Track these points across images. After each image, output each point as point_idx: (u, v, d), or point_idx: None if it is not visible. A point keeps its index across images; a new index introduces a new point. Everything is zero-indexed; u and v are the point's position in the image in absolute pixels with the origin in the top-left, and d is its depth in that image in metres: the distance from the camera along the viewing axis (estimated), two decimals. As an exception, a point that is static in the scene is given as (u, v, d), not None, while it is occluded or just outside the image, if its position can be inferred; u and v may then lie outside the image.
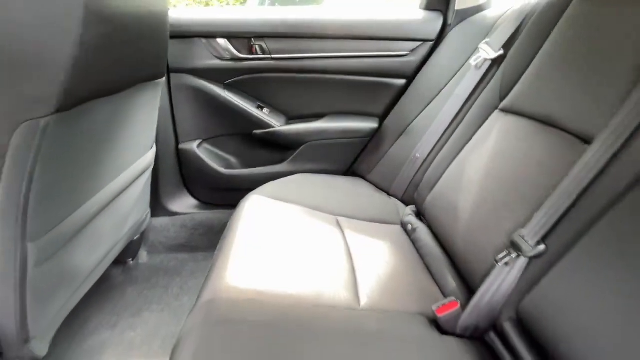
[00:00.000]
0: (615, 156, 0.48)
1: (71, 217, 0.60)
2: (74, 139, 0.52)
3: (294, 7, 1.16)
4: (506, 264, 0.54)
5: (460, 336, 0.57)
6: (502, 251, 0.55)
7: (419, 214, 0.92)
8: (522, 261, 0.53)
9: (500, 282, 0.55)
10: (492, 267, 0.56)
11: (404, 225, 0.90)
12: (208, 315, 0.53)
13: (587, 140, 0.54)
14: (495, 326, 0.56)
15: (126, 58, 0.57)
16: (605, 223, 0.45)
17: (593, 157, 0.50)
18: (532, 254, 0.51)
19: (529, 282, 0.52)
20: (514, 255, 0.54)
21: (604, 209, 0.46)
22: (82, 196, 0.62)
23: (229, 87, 1.12)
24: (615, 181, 0.46)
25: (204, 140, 1.18)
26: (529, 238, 0.53)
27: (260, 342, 0.49)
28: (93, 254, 0.72)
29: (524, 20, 0.83)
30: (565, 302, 0.45)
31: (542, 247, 0.51)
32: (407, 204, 0.99)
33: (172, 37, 0.95)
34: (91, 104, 0.53)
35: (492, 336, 0.57)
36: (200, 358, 0.46)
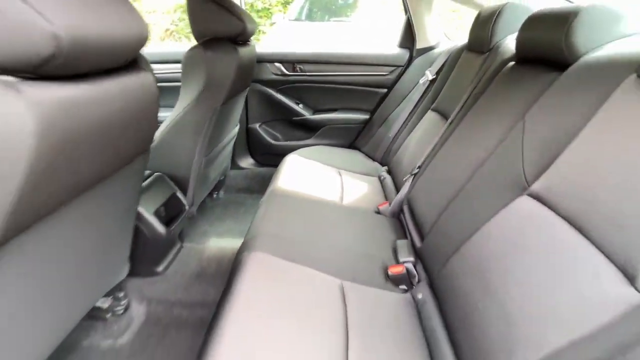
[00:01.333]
0: (450, 124, 1.11)
1: (213, 151, 1.32)
2: (223, 114, 1.23)
3: (321, 45, 1.81)
4: (407, 180, 1.20)
5: (389, 217, 1.23)
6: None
7: (389, 172, 1.57)
8: (411, 178, 1.18)
9: (405, 188, 1.20)
10: (404, 182, 1.22)
11: (379, 178, 1.55)
12: (271, 195, 1.21)
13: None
14: (401, 210, 1.21)
15: (247, 78, 1.28)
16: (437, 155, 1.09)
17: (444, 126, 1.13)
18: (414, 172, 1.16)
19: (412, 186, 1.16)
20: (409, 176, 1.19)
21: (439, 147, 1.09)
22: (217, 142, 1.34)
23: (280, 91, 1.79)
24: (446, 135, 1.09)
25: (263, 123, 1.86)
26: (416, 167, 1.17)
27: (299, 205, 1.14)
28: (213, 174, 1.45)
29: (448, 57, 1.44)
30: (420, 192, 1.10)
31: (418, 170, 1.16)
32: (383, 165, 1.62)
33: None
34: (231, 100, 1.24)
35: (401, 216, 1.22)
36: (268, 211, 1.13)
